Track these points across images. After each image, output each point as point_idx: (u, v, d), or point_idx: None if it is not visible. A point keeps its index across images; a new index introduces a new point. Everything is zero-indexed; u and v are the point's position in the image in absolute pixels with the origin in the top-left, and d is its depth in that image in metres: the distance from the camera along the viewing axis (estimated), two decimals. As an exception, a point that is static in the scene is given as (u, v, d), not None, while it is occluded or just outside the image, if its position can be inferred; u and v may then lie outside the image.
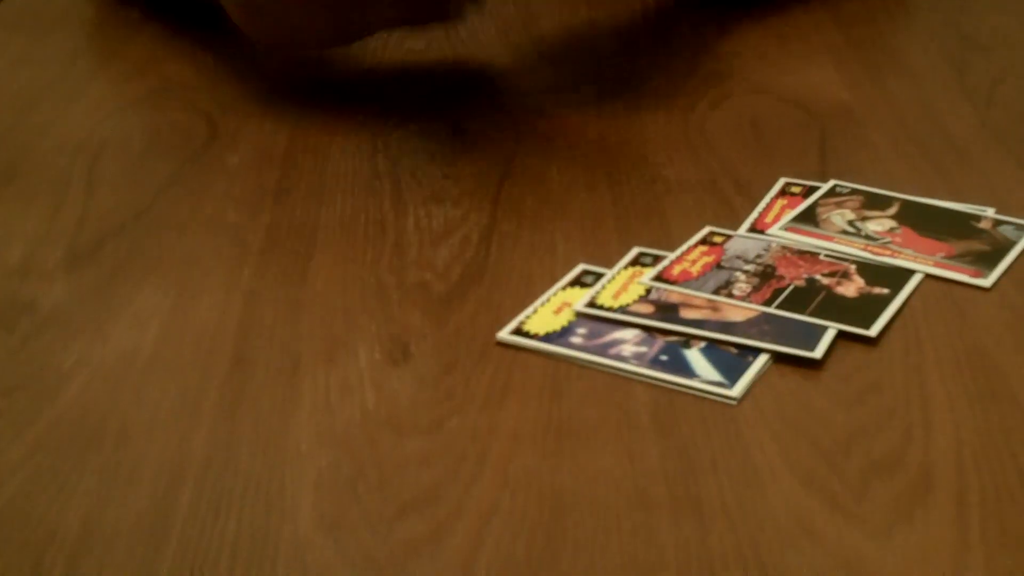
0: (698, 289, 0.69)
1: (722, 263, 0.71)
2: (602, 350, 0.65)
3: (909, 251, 0.72)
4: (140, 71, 1.02)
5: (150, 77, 1.01)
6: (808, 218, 0.75)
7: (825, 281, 0.69)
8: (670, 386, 0.62)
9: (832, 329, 0.65)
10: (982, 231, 0.73)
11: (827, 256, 0.72)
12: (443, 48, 1.04)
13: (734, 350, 0.64)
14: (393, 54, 1.03)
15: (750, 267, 0.71)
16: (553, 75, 0.99)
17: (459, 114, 0.92)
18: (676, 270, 0.71)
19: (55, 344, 0.68)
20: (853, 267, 0.70)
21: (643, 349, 0.65)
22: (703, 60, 1.00)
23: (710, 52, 1.01)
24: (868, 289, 0.68)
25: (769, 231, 0.74)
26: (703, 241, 0.73)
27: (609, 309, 0.68)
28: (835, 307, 0.67)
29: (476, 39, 1.05)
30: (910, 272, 0.70)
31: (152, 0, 1.15)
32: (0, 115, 0.96)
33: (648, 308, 0.68)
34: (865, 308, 0.67)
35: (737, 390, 0.61)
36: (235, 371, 0.65)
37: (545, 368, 0.64)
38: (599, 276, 0.71)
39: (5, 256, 0.76)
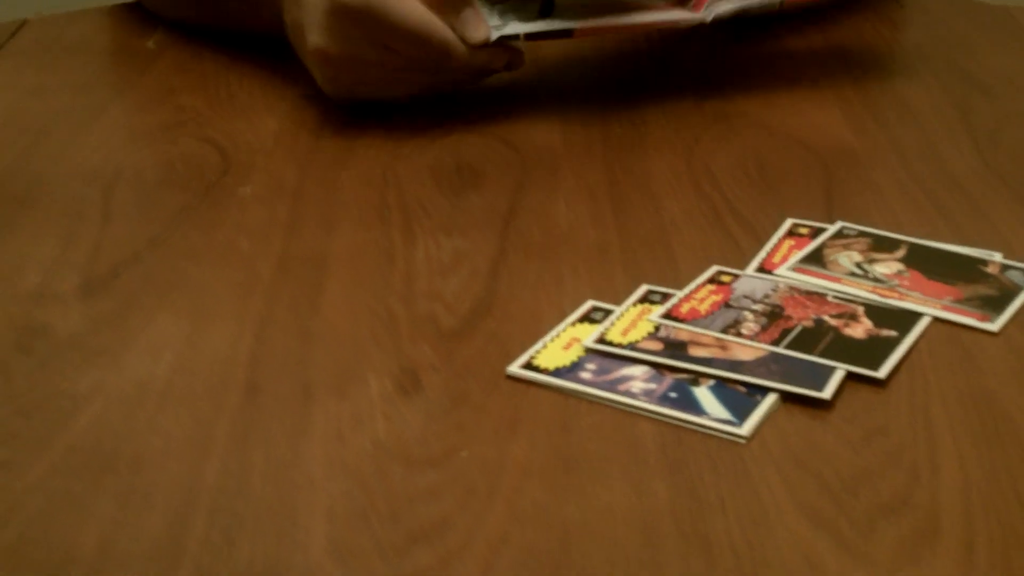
0: (706, 327, 0.69)
1: (730, 302, 0.72)
2: (611, 386, 0.65)
3: (917, 294, 0.72)
4: (154, 102, 1.03)
5: (164, 108, 1.01)
6: (816, 259, 0.76)
7: (833, 322, 0.70)
8: (678, 423, 0.63)
9: (840, 370, 0.65)
10: (989, 276, 0.74)
11: (835, 297, 0.72)
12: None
13: (742, 389, 0.65)
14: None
15: (758, 307, 0.71)
16: (559, 109, 0.99)
17: (466, 146, 0.93)
18: (684, 308, 0.71)
19: (71, 369, 0.68)
20: (861, 309, 0.71)
21: (652, 386, 0.65)
22: (709, 97, 1.01)
23: (716, 90, 1.02)
24: (876, 331, 0.69)
25: (777, 271, 0.75)
26: (711, 280, 0.74)
27: (618, 345, 0.68)
28: (843, 348, 0.67)
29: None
30: (918, 315, 0.70)
31: (177, 23, 1.16)
32: (15, 142, 0.96)
33: (657, 345, 0.68)
34: (873, 350, 0.67)
35: (746, 428, 0.62)
36: (247, 400, 0.65)
37: (554, 402, 0.65)
38: (608, 312, 0.71)
39: (22, 282, 0.77)
